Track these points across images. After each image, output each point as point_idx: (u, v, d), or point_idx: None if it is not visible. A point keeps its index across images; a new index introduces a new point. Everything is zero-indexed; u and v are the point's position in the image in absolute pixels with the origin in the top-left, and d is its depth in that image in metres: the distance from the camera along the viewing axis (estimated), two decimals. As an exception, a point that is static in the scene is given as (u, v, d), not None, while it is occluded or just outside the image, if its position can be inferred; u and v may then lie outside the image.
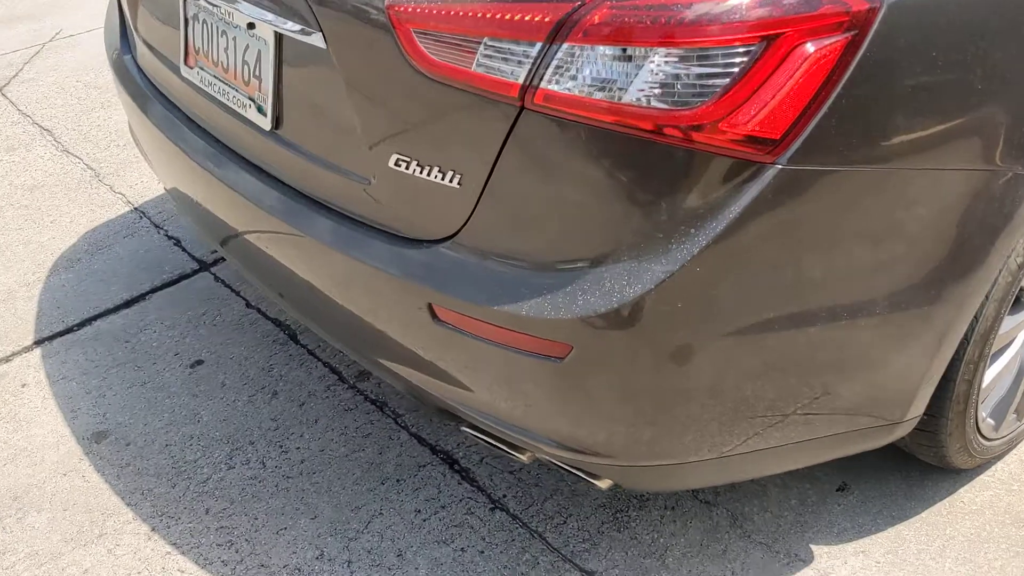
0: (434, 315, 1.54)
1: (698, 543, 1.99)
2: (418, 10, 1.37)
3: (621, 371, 1.43)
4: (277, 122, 1.72)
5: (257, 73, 1.74)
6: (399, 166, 1.50)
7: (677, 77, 1.25)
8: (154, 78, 2.10)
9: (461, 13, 1.33)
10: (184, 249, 2.92)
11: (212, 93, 1.87)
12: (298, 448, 2.25)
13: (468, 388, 1.61)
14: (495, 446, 1.73)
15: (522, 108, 1.34)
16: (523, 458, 1.71)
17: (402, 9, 1.38)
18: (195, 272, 2.83)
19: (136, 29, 2.12)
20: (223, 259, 2.85)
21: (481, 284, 1.47)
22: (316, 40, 1.53)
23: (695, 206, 1.30)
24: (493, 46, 1.33)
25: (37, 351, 2.56)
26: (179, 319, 2.65)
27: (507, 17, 1.30)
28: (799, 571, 1.92)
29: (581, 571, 1.94)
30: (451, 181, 1.46)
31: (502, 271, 1.46)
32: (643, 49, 1.25)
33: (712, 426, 1.49)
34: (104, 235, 2.99)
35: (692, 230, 1.31)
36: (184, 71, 1.95)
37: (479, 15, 1.32)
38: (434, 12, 1.36)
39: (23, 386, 2.45)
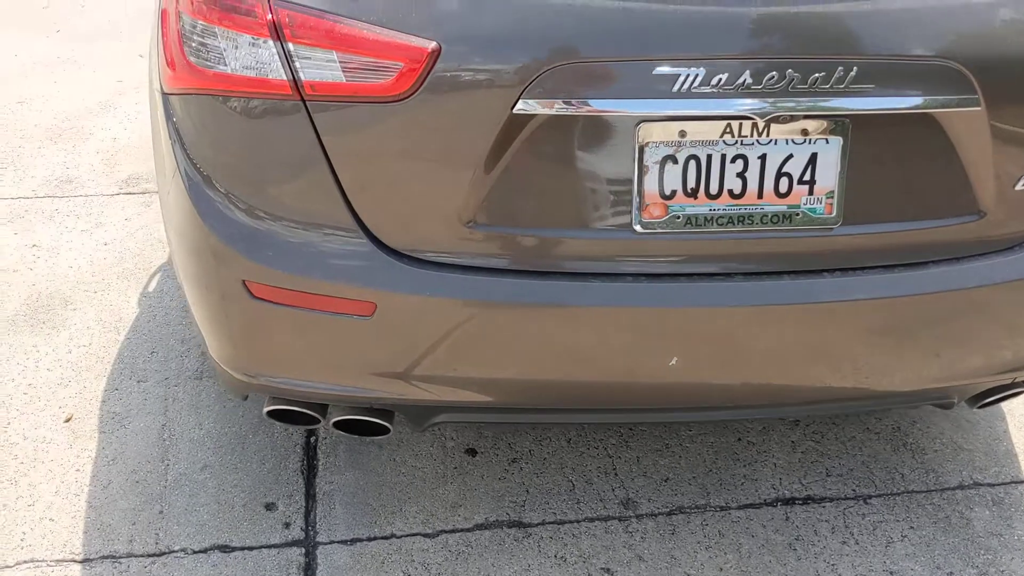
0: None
1: None
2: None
3: None
4: (844, 214, 1.72)
5: (807, 177, 1.69)
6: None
7: None
8: (539, 260, 1.70)
9: None
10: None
11: (708, 232, 1.70)
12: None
13: None
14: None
15: None
16: None
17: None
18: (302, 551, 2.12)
19: (485, 213, 1.66)
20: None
21: None
22: (963, 106, 1.65)
23: None
24: None
25: None
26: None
27: None
28: None
29: None
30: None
31: None
32: None
33: None
34: None
35: None
36: (640, 227, 1.68)
37: None
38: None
39: None
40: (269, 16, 1.61)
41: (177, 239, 1.84)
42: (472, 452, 2.41)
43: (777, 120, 1.63)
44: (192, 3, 1.68)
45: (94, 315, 2.82)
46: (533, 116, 1.59)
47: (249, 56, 1.64)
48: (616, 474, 2.36)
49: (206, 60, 1.67)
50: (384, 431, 1.92)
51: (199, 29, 1.67)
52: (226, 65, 1.65)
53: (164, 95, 1.78)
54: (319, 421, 1.94)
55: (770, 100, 1.59)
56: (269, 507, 2.23)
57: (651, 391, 1.83)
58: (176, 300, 2.90)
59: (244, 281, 1.74)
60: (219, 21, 1.64)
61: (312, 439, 2.42)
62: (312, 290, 1.71)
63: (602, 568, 2.12)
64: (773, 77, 1.58)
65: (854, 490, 2.35)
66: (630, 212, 1.68)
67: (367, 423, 1.91)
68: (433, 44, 1.56)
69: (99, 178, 3.59)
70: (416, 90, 1.58)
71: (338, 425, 1.93)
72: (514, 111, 1.58)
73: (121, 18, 5.20)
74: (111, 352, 2.68)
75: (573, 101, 1.58)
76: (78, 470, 2.30)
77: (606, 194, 1.68)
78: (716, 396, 1.87)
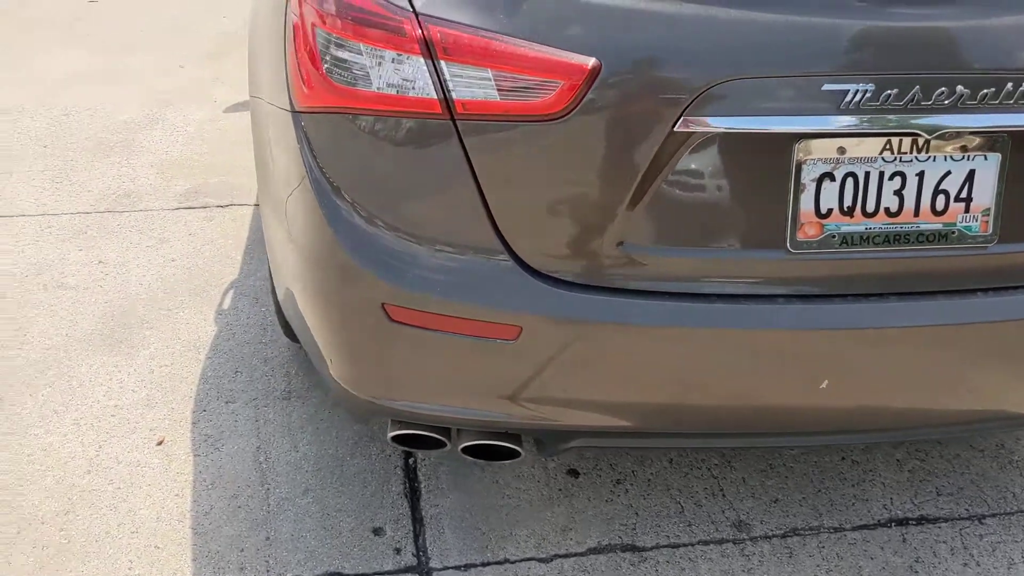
0: None
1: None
2: None
3: None
4: (999, 232, 1.68)
5: (964, 195, 1.65)
6: None
7: None
8: (690, 281, 1.66)
9: None
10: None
11: (863, 251, 1.65)
12: None
13: None
14: None
15: None
16: None
17: None
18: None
19: (630, 236, 1.62)
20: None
21: None
22: None
23: None
24: None
25: None
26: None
27: None
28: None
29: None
30: None
31: None
32: None
33: None
34: None
35: None
36: (794, 246, 1.64)
37: None
38: None
39: None
40: (419, 32, 1.56)
41: (305, 262, 1.79)
42: (574, 473, 2.36)
43: (941, 136, 1.59)
44: (331, 19, 1.63)
45: (171, 334, 2.77)
46: (692, 134, 1.55)
47: (396, 74, 1.59)
48: (724, 495, 2.31)
49: (347, 78, 1.62)
50: (514, 455, 1.87)
51: (340, 46, 1.62)
52: (370, 84, 1.60)
53: (295, 113, 1.73)
54: (445, 445, 1.89)
55: (938, 116, 1.55)
56: (377, 532, 2.18)
57: (798, 415, 1.78)
58: (253, 318, 2.85)
59: (383, 304, 1.69)
60: (363, 38, 1.60)
61: (411, 460, 2.37)
62: (455, 313, 1.67)
63: None
64: (943, 93, 1.54)
65: (967, 510, 2.30)
66: (784, 231, 1.64)
67: (497, 447, 1.86)
68: (593, 61, 1.51)
69: (157, 192, 3.54)
70: (573, 108, 1.53)
71: (466, 450, 1.88)
72: (675, 129, 1.53)
73: (153, 30, 5.16)
74: (194, 372, 2.63)
75: (736, 119, 1.54)
76: (177, 495, 2.24)
77: (760, 213, 1.64)
78: (862, 419, 1.82)
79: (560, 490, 2.31)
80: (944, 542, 2.21)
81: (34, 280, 2.99)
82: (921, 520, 2.27)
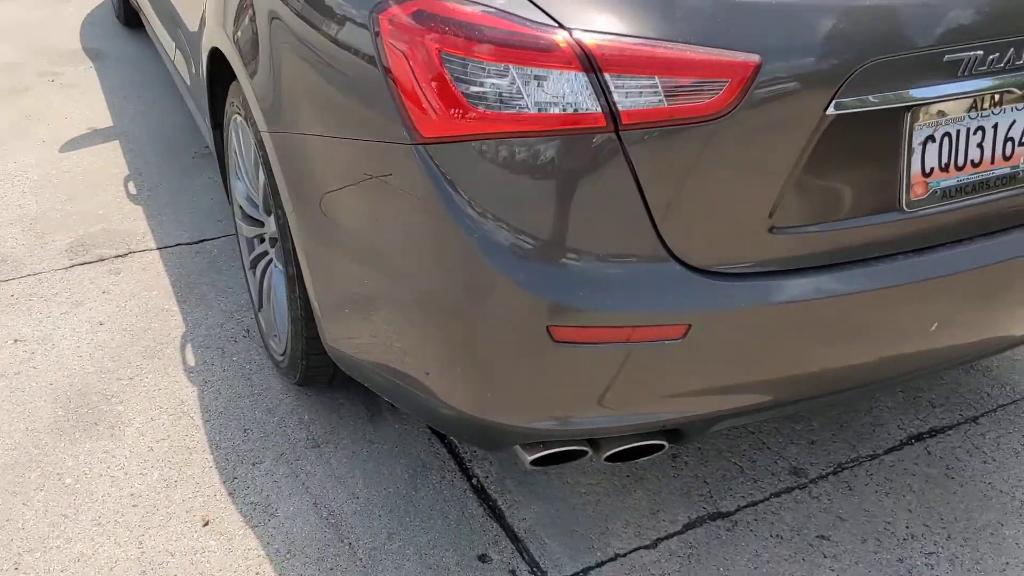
0: None
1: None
2: None
3: None
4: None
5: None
6: None
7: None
8: (829, 252, 1.75)
9: None
10: None
11: (956, 201, 1.83)
12: (907, 526, 2.26)
13: None
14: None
15: None
16: None
17: None
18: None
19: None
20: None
21: None
22: None
23: None
24: None
25: None
26: None
27: None
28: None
29: None
30: None
31: None
32: None
33: None
34: None
35: None
36: (908, 208, 1.78)
37: None
38: None
39: None
40: (577, 48, 1.54)
41: (435, 296, 1.71)
42: (631, 458, 2.41)
43: (1010, 90, 1.78)
44: (464, 44, 1.57)
45: (148, 403, 2.52)
46: (837, 115, 1.64)
47: (549, 92, 1.56)
48: (769, 448, 2.46)
49: (492, 102, 1.57)
50: (659, 449, 1.91)
51: (480, 70, 1.56)
52: (521, 105, 1.56)
53: (417, 145, 1.65)
54: (587, 454, 1.89)
55: (1019, 73, 1.75)
56: (483, 559, 2.13)
57: (909, 359, 1.94)
58: (230, 371, 2.64)
59: (548, 327, 1.66)
60: (510, 59, 1.55)
61: (474, 481, 2.32)
62: (623, 323, 1.67)
63: (817, 536, 2.22)
64: (1026, 52, 1.73)
65: (961, 415, 2.60)
66: (899, 193, 1.78)
67: (640, 447, 1.89)
68: (756, 57, 1.56)
69: (36, 252, 3.17)
70: (736, 106, 1.58)
71: (610, 457, 1.89)
72: (825, 113, 1.62)
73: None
74: (198, 440, 2.41)
75: (876, 95, 1.65)
76: (258, 573, 2.07)
77: (880, 180, 1.76)
78: (953, 353, 2.01)
79: (628, 476, 2.36)
80: (959, 447, 2.49)
81: (-53, 375, 2.60)
82: (932, 432, 2.54)
